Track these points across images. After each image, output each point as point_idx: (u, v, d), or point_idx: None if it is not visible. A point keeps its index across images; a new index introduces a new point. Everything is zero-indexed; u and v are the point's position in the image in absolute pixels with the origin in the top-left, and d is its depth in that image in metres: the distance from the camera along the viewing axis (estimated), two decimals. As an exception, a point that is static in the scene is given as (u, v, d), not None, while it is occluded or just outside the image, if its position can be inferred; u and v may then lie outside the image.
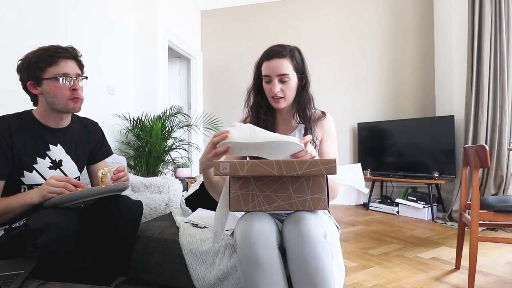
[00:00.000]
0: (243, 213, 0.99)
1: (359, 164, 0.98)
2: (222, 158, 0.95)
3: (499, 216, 1.52)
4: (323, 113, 1.21)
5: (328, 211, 1.14)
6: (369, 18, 3.92)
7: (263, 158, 0.90)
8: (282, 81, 1.11)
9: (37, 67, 1.11)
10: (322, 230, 0.88)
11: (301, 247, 0.84)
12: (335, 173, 0.80)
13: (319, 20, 4.08)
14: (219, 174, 0.79)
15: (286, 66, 1.10)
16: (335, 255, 1.07)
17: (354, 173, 0.97)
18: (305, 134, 1.16)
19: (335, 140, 1.20)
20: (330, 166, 0.79)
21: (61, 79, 1.11)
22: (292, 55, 1.12)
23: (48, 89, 1.12)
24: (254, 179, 0.89)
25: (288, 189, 0.89)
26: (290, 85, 1.12)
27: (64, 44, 1.19)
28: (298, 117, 1.18)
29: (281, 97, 1.12)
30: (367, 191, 0.98)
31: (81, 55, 1.21)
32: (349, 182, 0.95)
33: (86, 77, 1.21)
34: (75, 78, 1.14)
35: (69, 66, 1.14)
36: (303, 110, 1.16)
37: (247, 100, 1.22)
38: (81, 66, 1.20)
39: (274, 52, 1.11)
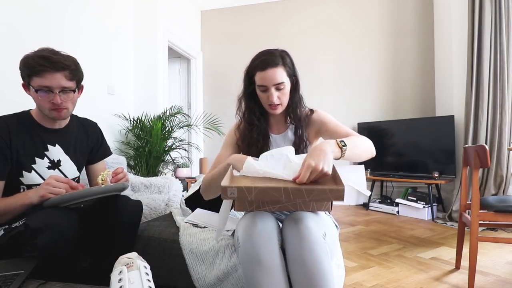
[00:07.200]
0: (242, 213, 0.99)
1: (362, 166, 0.97)
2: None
3: (499, 216, 1.52)
4: (311, 111, 1.24)
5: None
6: (369, 18, 3.92)
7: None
8: (278, 89, 1.13)
9: (24, 73, 1.10)
10: (322, 231, 0.88)
11: (301, 248, 0.84)
12: (343, 200, 0.82)
13: (319, 21, 4.08)
14: (226, 198, 0.80)
15: (280, 74, 1.11)
16: (334, 254, 1.07)
17: (356, 175, 0.96)
18: (295, 133, 1.20)
19: (336, 121, 1.20)
20: (338, 195, 0.80)
21: (42, 92, 1.08)
22: (284, 62, 1.13)
23: (33, 96, 1.12)
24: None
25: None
26: (285, 91, 1.15)
27: (62, 44, 1.18)
28: (289, 118, 1.22)
29: (278, 104, 1.15)
30: (369, 193, 0.98)
31: (70, 65, 1.10)
32: (351, 183, 0.94)
33: (74, 90, 1.14)
34: (57, 92, 1.09)
35: (54, 79, 1.07)
36: (294, 110, 1.20)
37: (239, 107, 1.25)
38: (72, 76, 1.12)
39: (268, 62, 1.11)
